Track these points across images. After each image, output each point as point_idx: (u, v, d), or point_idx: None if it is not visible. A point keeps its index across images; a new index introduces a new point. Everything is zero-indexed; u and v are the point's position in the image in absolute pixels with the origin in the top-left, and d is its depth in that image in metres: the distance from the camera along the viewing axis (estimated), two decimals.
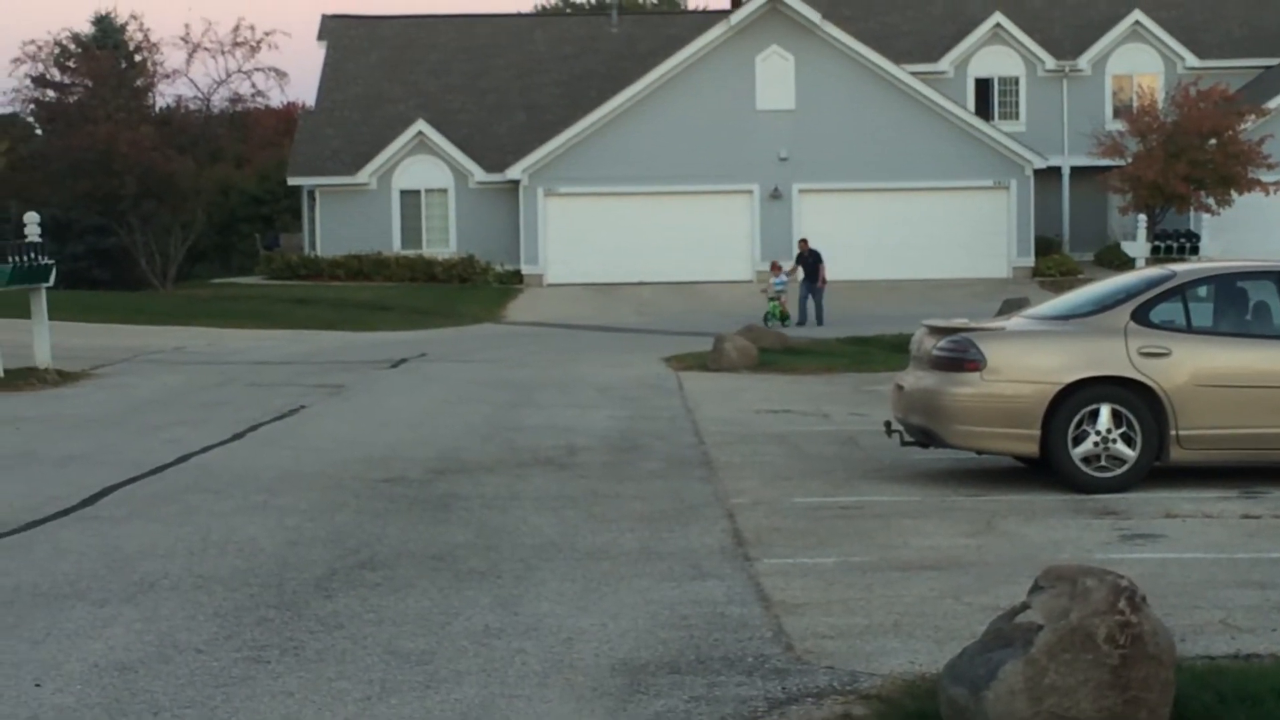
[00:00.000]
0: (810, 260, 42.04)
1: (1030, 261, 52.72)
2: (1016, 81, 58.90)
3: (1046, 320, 14.60)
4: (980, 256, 52.22)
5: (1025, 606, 6.70)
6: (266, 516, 12.55)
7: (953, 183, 52.49)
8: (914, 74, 53.58)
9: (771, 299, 40.30)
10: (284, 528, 12.06)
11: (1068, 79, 58.55)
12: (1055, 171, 56.21)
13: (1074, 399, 13.48)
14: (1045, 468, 13.79)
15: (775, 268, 41.82)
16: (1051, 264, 52.24)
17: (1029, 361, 13.76)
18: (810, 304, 41.35)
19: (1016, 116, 58.39)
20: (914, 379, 14.42)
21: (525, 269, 52.84)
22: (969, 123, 53.05)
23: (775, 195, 52.56)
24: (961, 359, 13.74)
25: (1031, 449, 13.64)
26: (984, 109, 57.41)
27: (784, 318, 39.45)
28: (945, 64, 58.25)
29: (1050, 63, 58.39)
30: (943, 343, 14.01)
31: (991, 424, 13.62)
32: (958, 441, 13.92)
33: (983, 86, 58.75)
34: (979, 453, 14.35)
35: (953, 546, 11.24)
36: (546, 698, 7.57)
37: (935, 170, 52.27)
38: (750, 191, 52.78)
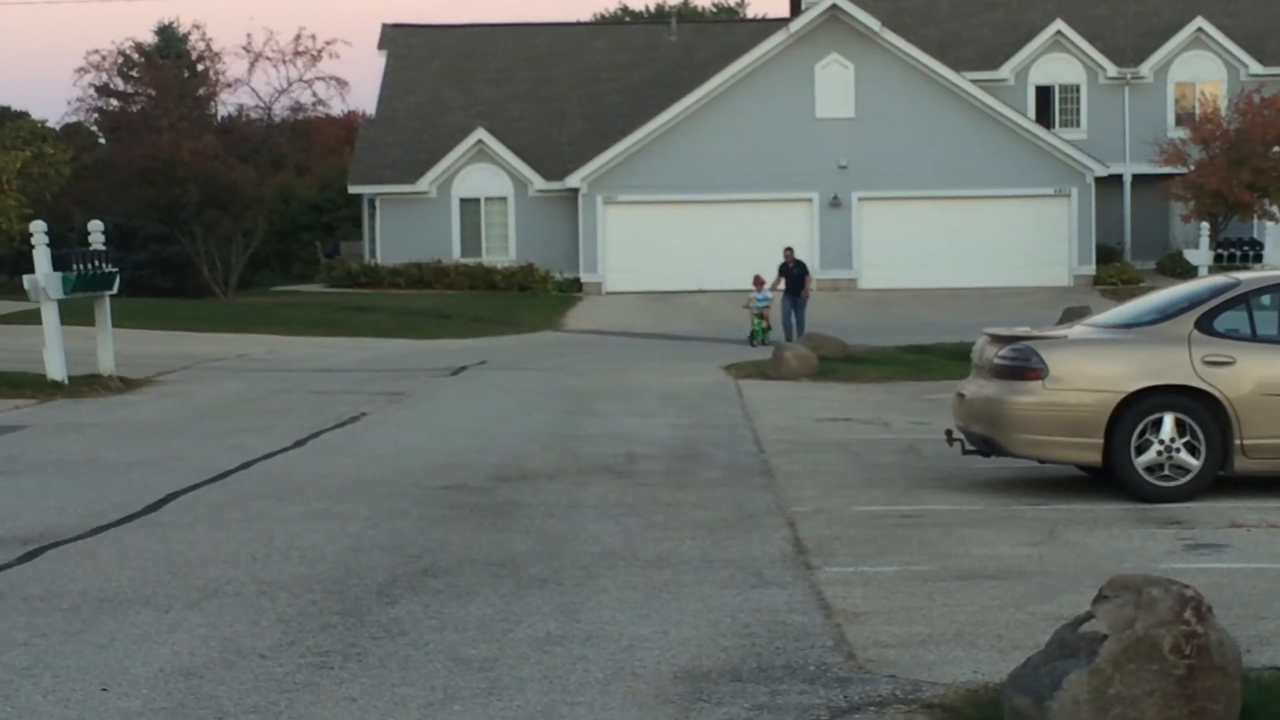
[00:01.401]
0: (795, 271, 38.75)
1: (1091, 270, 52.46)
2: (1078, 89, 58.61)
3: (1109, 329, 14.53)
4: (1041, 265, 52.01)
5: (1089, 616, 6.67)
6: (329, 523, 12.61)
7: (1013, 191, 52.30)
8: (974, 82, 53.43)
9: (756, 316, 37.18)
10: (346, 534, 12.11)
11: (1129, 86, 58.24)
12: (1117, 179, 55.91)
13: (1137, 408, 13.41)
14: (1108, 477, 13.72)
15: (758, 282, 38.21)
16: (1113, 272, 51.98)
17: (1091, 370, 13.69)
18: (793, 318, 37.77)
19: (1078, 124, 58.12)
20: (975, 387, 14.37)
21: (584, 277, 52.93)
22: (1030, 130, 52.86)
23: (835, 203, 52.48)
24: (1023, 367, 13.69)
25: (1094, 458, 13.58)
26: (1045, 117, 57.16)
27: (767, 331, 36.80)
28: (1006, 71, 58.00)
29: (1112, 70, 58.08)
30: (1004, 351, 13.96)
31: (1054, 433, 13.56)
32: (1019, 450, 13.86)
33: (1044, 94, 58.49)
34: (1041, 462, 14.27)
35: (1015, 556, 11.19)
36: (609, 705, 7.57)
37: (996, 178, 52.10)
38: (810, 200, 52.73)
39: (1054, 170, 52.48)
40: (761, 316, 37.17)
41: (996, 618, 9.25)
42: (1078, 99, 58.68)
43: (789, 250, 39.72)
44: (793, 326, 37.22)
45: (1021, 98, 57.25)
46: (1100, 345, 14.19)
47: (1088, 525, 12.39)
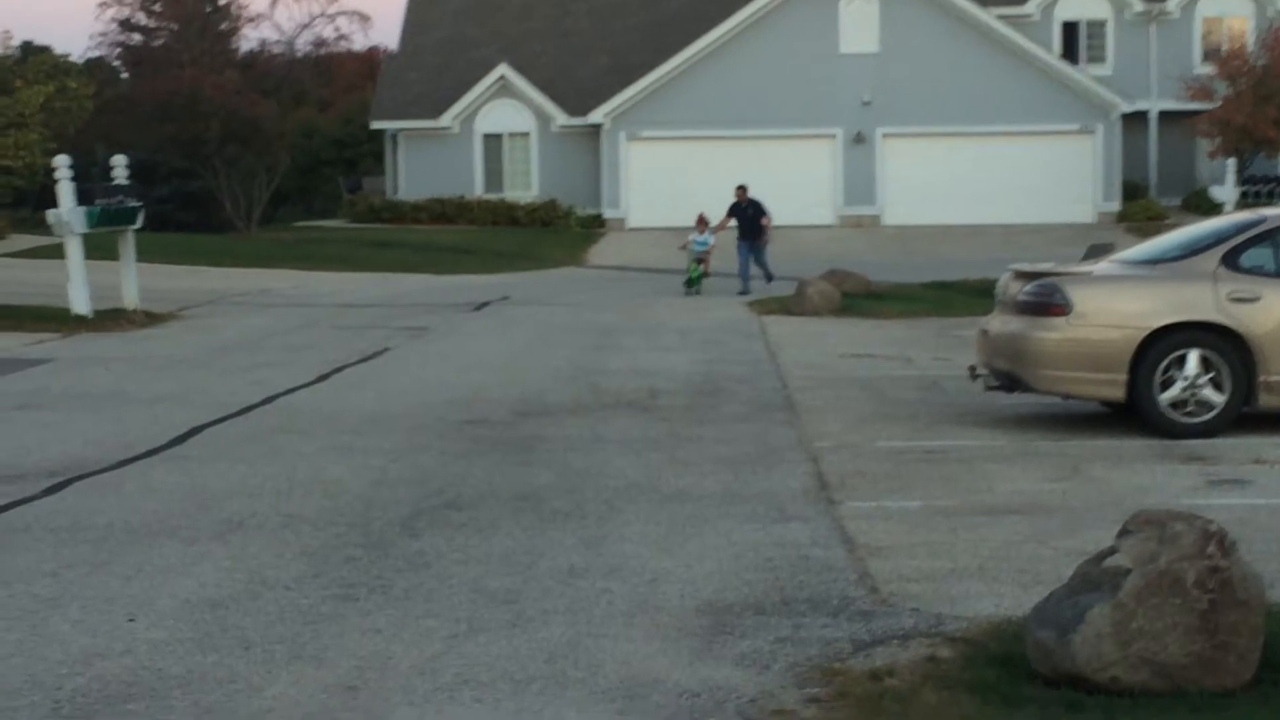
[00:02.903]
0: (750, 212, 34.07)
1: (1116, 206, 52.23)
2: (1104, 24, 58.14)
3: (1134, 265, 14.48)
4: (1066, 201, 51.76)
5: (1113, 550, 6.67)
6: (352, 457, 12.65)
7: (1038, 127, 52.01)
8: (1000, 17, 53.02)
9: (694, 260, 32.77)
10: (369, 468, 12.15)
11: (1156, 22, 57.74)
12: (1142, 116, 55.54)
13: (1161, 344, 13.37)
14: (1131, 413, 13.70)
15: (701, 223, 33.98)
16: (1138, 209, 51.72)
17: (1116, 306, 13.66)
18: (750, 264, 33.31)
19: (1103, 60, 57.67)
20: (999, 324, 14.35)
21: (607, 213, 52.82)
22: (1055, 66, 52.54)
23: (858, 139, 52.27)
24: (1048, 304, 13.65)
25: (1118, 394, 13.56)
26: (1071, 52, 56.74)
27: (702, 278, 32.53)
28: (1031, 7, 57.50)
29: (1138, 5, 57.58)
30: (1029, 287, 13.92)
31: (1078, 369, 13.54)
32: (1043, 386, 13.85)
33: (1069, 29, 58.03)
34: (1065, 398, 14.26)
35: (1038, 491, 11.20)
36: (632, 637, 7.60)
37: (1021, 114, 51.80)
38: (833, 136, 52.50)
39: (1079, 106, 52.18)
40: (700, 261, 32.83)
41: (1019, 552, 9.26)
42: (1104, 34, 58.19)
43: (741, 188, 34.93)
44: (748, 274, 32.98)
45: (1047, 33, 56.79)
46: (1125, 282, 14.14)
47: (1111, 461, 12.39)
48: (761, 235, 33.79)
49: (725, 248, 33.96)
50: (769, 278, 32.97)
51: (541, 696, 6.74)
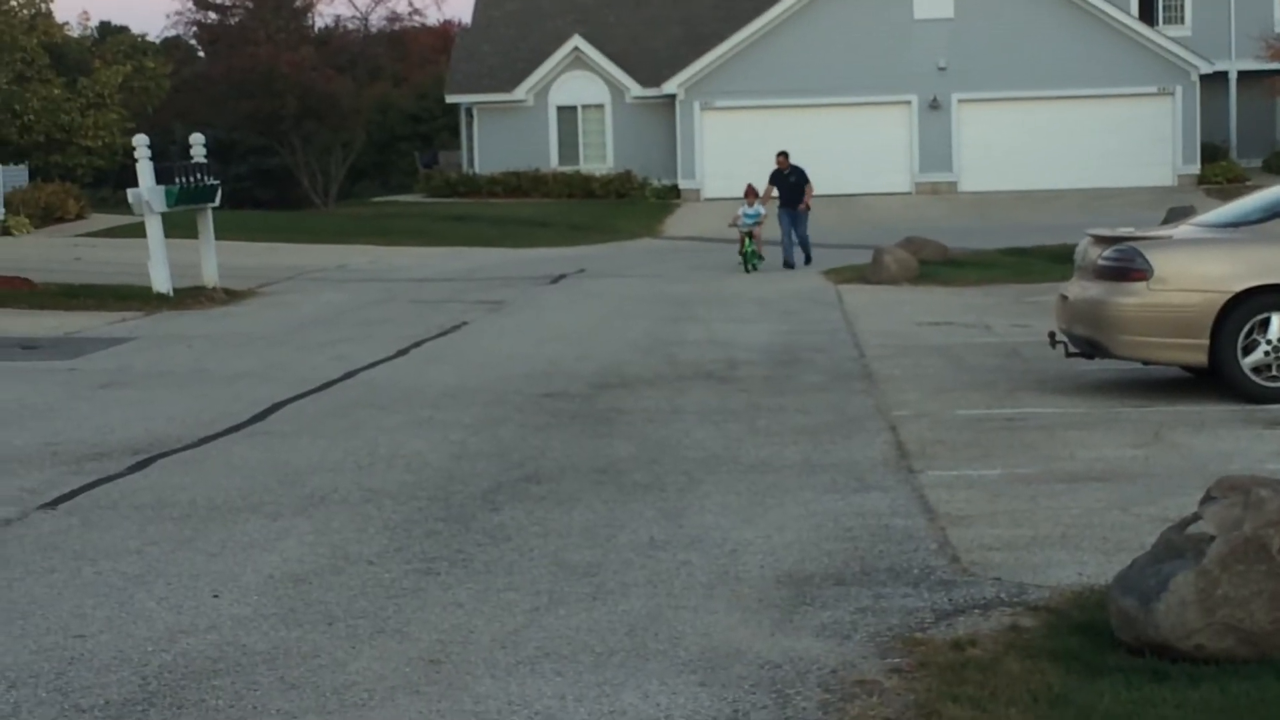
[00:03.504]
0: (792, 179, 32.44)
1: (1196, 169, 51.68)
2: None
3: (1214, 228, 14.33)
4: (1144, 165, 51.27)
5: (1196, 517, 6.62)
6: (432, 431, 12.71)
7: (1116, 90, 51.50)
8: None
9: (746, 234, 30.73)
10: (449, 442, 12.21)
11: None
12: (1222, 76, 54.85)
13: (1244, 308, 13.24)
14: (1214, 378, 13.58)
15: (750, 194, 31.97)
16: (1218, 171, 51.17)
17: (1197, 270, 13.53)
18: (793, 235, 31.71)
19: (1182, 21, 56.97)
20: (1079, 289, 14.24)
21: (682, 184, 52.74)
22: (1132, 28, 51.98)
23: (934, 105, 51.93)
24: (1128, 268, 13.54)
25: (1200, 359, 13.44)
26: (1148, 13, 56.08)
27: (754, 257, 30.55)
28: None
29: None
30: (1108, 252, 13.81)
31: (1158, 334, 13.42)
32: (1124, 352, 13.74)
33: None
34: (1145, 363, 14.16)
35: (1119, 458, 11.12)
36: (713, 609, 7.61)
37: (1098, 77, 51.31)
38: (909, 102, 52.18)
39: (1157, 68, 51.64)
40: (751, 235, 30.76)
41: (1101, 520, 9.20)
42: None
43: (782, 155, 33.28)
44: (792, 245, 31.48)
45: None
46: (1206, 245, 14.00)
47: (1193, 427, 12.29)
48: (803, 204, 32.05)
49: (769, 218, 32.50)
50: (808, 259, 31.45)
51: (623, 669, 6.76)
